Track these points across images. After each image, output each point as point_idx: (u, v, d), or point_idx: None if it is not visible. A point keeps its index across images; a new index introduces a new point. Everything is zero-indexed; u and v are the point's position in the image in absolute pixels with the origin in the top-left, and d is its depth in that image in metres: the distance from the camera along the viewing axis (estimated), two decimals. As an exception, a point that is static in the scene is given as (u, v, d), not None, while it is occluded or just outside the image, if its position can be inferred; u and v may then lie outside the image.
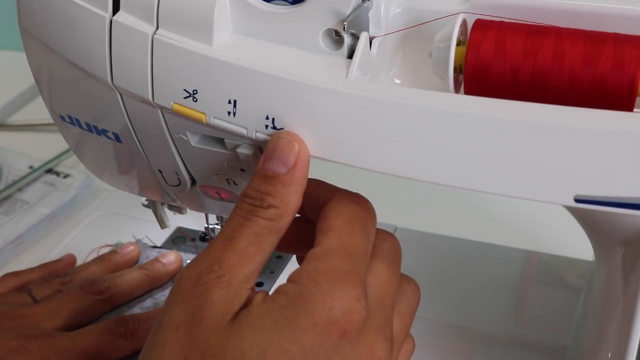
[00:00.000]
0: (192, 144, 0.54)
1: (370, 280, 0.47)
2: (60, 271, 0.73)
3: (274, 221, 0.46)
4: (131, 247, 0.75)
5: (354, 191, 0.50)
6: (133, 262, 0.75)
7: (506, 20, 0.49)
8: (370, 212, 0.49)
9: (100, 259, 0.74)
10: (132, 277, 0.70)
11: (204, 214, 0.72)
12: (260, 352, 0.43)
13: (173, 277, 0.73)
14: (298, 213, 0.48)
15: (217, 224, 0.73)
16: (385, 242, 0.49)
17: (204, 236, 0.76)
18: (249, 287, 0.45)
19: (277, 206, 0.46)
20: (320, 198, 0.49)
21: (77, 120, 0.58)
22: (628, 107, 0.47)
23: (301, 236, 0.49)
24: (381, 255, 0.48)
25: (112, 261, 0.74)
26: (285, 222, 0.46)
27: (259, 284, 0.73)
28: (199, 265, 0.46)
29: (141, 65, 0.50)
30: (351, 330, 0.44)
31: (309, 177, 0.48)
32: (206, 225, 0.73)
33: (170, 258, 0.73)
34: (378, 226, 0.76)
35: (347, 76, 0.48)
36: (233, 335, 0.44)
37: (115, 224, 0.81)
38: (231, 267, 0.45)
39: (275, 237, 0.46)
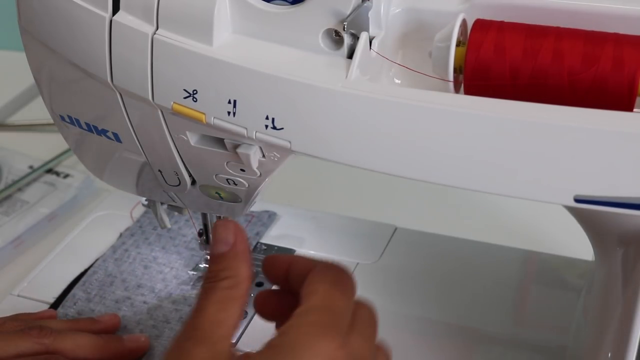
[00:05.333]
0: (192, 144, 0.54)
1: (349, 340, 0.51)
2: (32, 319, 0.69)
3: (232, 289, 0.52)
4: (108, 317, 0.71)
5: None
6: (112, 331, 0.70)
7: (506, 21, 0.49)
8: (350, 279, 0.53)
9: (75, 321, 0.70)
10: (81, 338, 0.66)
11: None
12: None
13: (132, 356, 0.68)
14: (284, 285, 0.55)
15: None
16: (363, 310, 0.53)
17: (201, 233, 0.76)
18: (227, 345, 0.50)
19: (230, 277, 0.52)
20: (303, 268, 0.54)
21: (77, 120, 0.58)
22: (628, 107, 0.47)
23: (284, 307, 0.53)
24: (359, 322, 0.52)
25: (82, 325, 0.69)
26: (242, 288, 0.52)
27: (259, 284, 0.73)
28: (178, 337, 0.51)
29: (141, 65, 0.50)
30: None
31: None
32: (205, 223, 0.73)
33: (134, 339, 0.69)
34: (378, 226, 0.77)
35: (347, 76, 0.48)
36: None
37: (115, 224, 0.81)
38: (206, 330, 0.50)
39: (238, 303, 0.52)
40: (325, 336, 0.49)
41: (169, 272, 0.75)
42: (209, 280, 0.52)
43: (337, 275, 0.52)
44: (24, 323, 0.66)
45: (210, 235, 0.74)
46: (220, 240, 0.53)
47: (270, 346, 0.50)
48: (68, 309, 0.72)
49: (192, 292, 0.72)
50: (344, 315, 0.51)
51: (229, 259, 0.53)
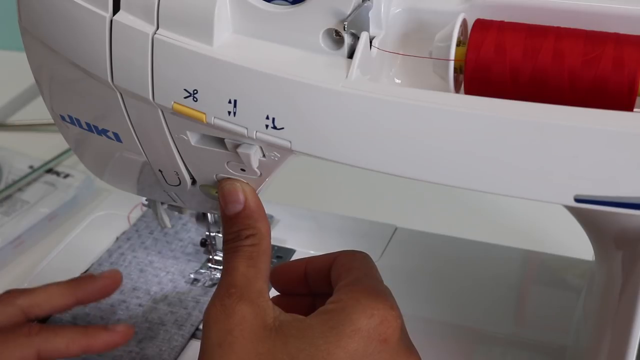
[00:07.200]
0: (193, 143, 0.54)
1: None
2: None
3: (256, 245, 0.54)
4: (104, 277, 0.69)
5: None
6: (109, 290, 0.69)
7: (506, 20, 0.49)
8: (372, 260, 0.56)
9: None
10: (51, 287, 0.66)
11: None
12: (308, 355, 0.48)
13: (107, 291, 0.68)
14: (297, 289, 0.57)
15: (218, 232, 0.73)
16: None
17: (204, 242, 0.76)
18: (266, 300, 0.51)
19: (252, 235, 0.54)
20: (322, 263, 0.56)
21: (78, 120, 0.58)
22: (628, 107, 0.47)
23: (299, 310, 0.54)
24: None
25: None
26: (265, 243, 0.54)
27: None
28: (217, 295, 0.52)
29: (141, 65, 0.50)
30: (391, 336, 0.50)
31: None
32: (207, 233, 0.73)
33: (107, 274, 0.68)
34: (378, 226, 0.77)
35: (347, 76, 0.48)
36: (280, 343, 0.49)
37: (115, 224, 0.81)
38: (244, 286, 0.51)
39: (264, 257, 0.54)
40: (378, 297, 0.51)
41: (165, 275, 0.75)
42: (232, 242, 0.54)
43: (363, 255, 0.55)
44: None
45: (214, 242, 0.74)
46: (232, 201, 0.55)
47: (324, 311, 0.51)
48: (63, 314, 0.71)
49: (188, 295, 0.72)
50: (384, 284, 0.54)
51: (246, 217, 0.55)
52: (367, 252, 0.56)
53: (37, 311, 0.65)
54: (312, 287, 0.57)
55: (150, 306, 0.71)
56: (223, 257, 0.54)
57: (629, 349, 0.52)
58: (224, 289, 0.52)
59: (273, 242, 0.77)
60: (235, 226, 0.54)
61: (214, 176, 0.57)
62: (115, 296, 0.72)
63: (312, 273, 0.57)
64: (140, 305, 0.71)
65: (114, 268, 0.71)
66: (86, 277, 0.68)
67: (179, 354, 0.67)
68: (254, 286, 0.52)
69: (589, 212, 0.46)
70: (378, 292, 0.51)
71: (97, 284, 0.67)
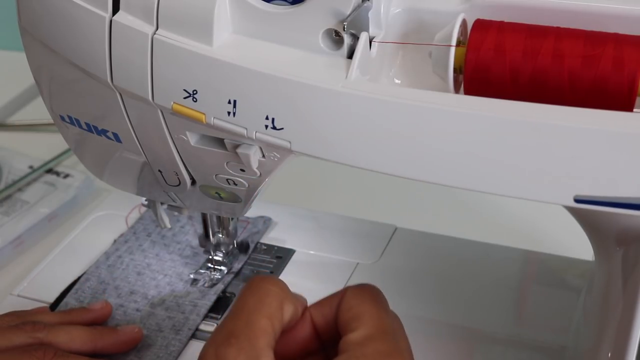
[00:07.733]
0: (192, 144, 0.54)
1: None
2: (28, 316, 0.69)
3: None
4: (99, 305, 0.71)
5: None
6: (104, 319, 0.70)
7: (506, 21, 0.49)
8: (382, 293, 0.51)
9: (67, 312, 0.71)
10: (74, 330, 0.66)
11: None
12: None
13: (126, 347, 0.68)
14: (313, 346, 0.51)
15: (218, 232, 0.73)
16: (397, 321, 0.52)
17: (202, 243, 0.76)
18: (269, 358, 0.46)
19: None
20: (331, 304, 0.51)
21: (77, 120, 0.58)
22: (628, 107, 0.47)
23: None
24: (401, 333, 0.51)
25: (74, 315, 0.70)
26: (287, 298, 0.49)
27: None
28: (215, 340, 0.47)
29: (141, 65, 0.50)
30: None
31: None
32: (205, 226, 0.73)
33: (127, 330, 0.68)
34: (378, 226, 0.77)
35: (347, 76, 0.48)
36: None
37: (115, 224, 0.81)
38: (248, 339, 0.46)
39: (284, 313, 0.48)
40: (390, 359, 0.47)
41: (162, 279, 0.74)
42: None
43: (373, 293, 0.51)
44: (18, 319, 0.66)
45: (210, 236, 0.74)
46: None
47: None
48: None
49: (186, 299, 0.72)
50: (395, 333, 0.50)
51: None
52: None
53: (55, 348, 0.64)
54: (322, 336, 0.52)
55: (148, 311, 0.71)
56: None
57: (629, 349, 0.52)
58: (224, 336, 0.47)
59: (273, 242, 0.78)
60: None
61: (214, 176, 0.57)
62: (113, 300, 0.72)
63: (321, 324, 0.51)
64: (137, 310, 0.71)
65: (135, 325, 0.69)
66: (109, 329, 0.68)
67: (176, 358, 0.67)
68: (259, 342, 0.47)
69: (589, 213, 0.46)
70: (392, 355, 0.47)
71: (118, 337, 0.67)
